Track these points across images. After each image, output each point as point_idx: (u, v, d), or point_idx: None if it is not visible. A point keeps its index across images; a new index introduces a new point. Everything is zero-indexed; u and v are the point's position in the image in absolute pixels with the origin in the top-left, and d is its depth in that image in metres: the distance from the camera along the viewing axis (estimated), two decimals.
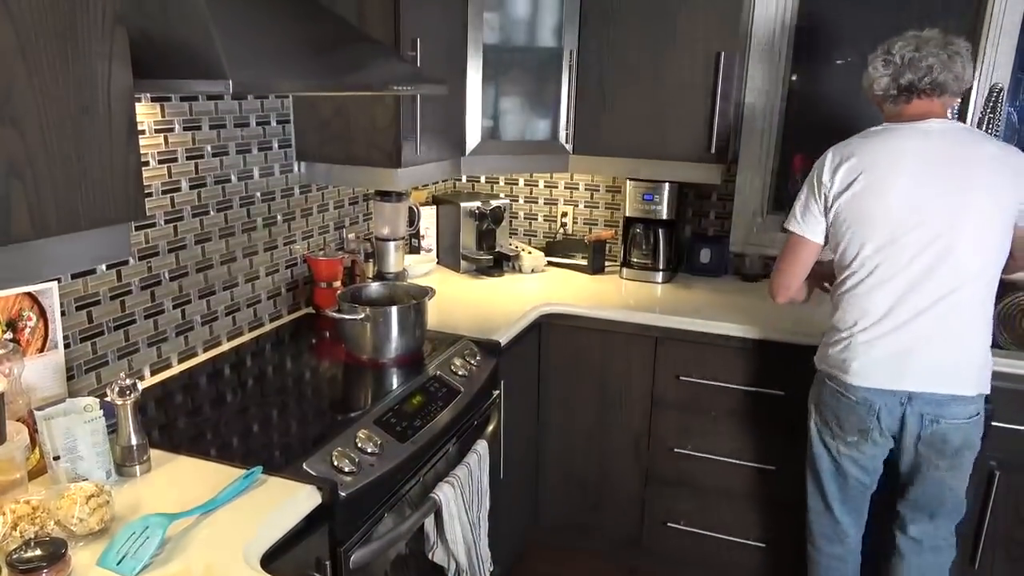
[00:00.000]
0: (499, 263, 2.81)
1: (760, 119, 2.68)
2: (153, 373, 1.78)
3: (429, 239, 2.84)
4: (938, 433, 1.74)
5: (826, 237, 1.82)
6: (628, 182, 2.68)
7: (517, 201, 3.08)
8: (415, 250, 2.79)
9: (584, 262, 2.82)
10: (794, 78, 2.68)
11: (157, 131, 1.72)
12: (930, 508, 1.84)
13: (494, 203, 2.77)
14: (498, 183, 3.10)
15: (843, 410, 1.81)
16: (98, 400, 1.31)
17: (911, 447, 1.78)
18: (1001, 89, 2.20)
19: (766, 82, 2.65)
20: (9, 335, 1.30)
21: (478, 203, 2.76)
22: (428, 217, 2.82)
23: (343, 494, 1.36)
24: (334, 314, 1.88)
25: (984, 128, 2.19)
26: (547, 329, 2.45)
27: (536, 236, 3.09)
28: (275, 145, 2.10)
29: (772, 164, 2.73)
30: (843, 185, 1.73)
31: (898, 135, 1.73)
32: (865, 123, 1.86)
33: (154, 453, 1.38)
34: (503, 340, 2.12)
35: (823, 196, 1.78)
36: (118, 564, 1.08)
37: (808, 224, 1.82)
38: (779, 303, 1.96)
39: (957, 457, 1.76)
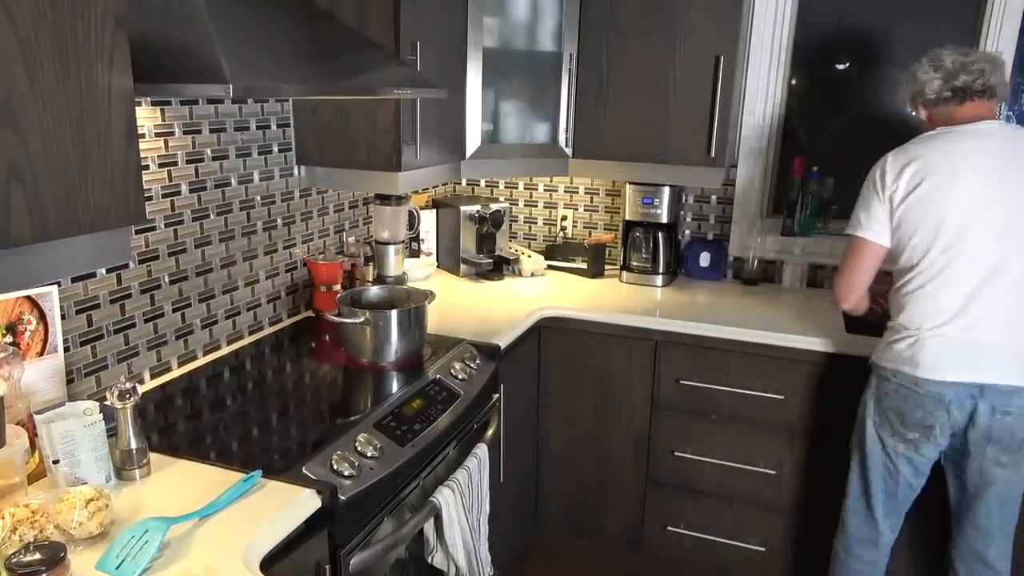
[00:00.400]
0: (499, 267, 2.81)
1: (760, 123, 2.68)
2: (153, 377, 1.78)
3: (429, 243, 2.85)
4: (1007, 425, 1.75)
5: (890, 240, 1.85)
6: (628, 186, 2.68)
7: (517, 205, 3.08)
8: (415, 254, 2.79)
9: (584, 266, 2.82)
10: (794, 82, 2.68)
11: (157, 135, 1.72)
12: (1005, 521, 1.84)
13: (494, 207, 2.77)
14: (498, 187, 3.11)
15: (909, 406, 1.81)
16: (98, 404, 1.31)
17: (979, 443, 1.78)
18: None
19: (766, 86, 2.65)
20: (9, 339, 1.30)
21: (478, 207, 2.76)
22: (428, 221, 2.82)
23: (343, 498, 1.36)
24: (334, 318, 1.88)
25: None
26: (547, 332, 2.45)
27: (536, 240, 3.09)
28: (275, 149, 2.10)
29: (772, 168, 2.74)
30: (909, 188, 1.77)
31: (958, 137, 1.77)
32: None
33: (153, 457, 1.38)
34: (503, 344, 2.12)
35: (888, 199, 1.80)
36: (117, 568, 1.07)
37: (873, 227, 1.84)
38: (843, 309, 1.98)
39: (1021, 451, 1.78)
